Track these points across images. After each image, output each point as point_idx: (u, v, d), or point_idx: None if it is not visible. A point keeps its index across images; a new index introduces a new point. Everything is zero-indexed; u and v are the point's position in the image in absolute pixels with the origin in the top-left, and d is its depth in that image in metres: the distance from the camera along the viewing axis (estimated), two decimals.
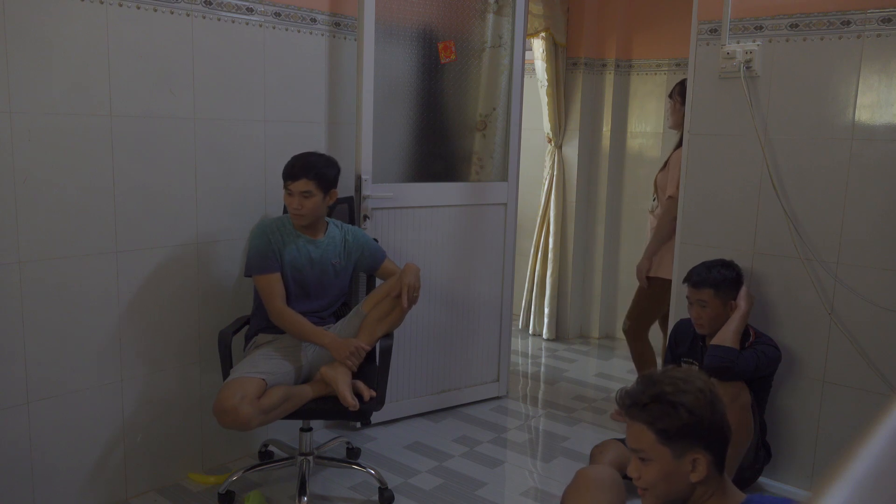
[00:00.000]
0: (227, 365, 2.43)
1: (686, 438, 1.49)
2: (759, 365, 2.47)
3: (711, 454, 1.50)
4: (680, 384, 1.52)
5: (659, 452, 1.51)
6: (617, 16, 4.40)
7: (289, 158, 2.54)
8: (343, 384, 2.38)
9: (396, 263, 2.76)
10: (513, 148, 3.49)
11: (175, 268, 2.59)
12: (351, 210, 3.00)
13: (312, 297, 2.58)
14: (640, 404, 1.54)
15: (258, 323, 2.58)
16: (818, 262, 2.60)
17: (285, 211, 2.76)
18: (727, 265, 2.66)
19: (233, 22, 2.64)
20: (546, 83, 4.36)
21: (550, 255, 4.57)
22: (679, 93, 3.22)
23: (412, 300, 2.56)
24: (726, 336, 2.50)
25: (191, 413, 2.71)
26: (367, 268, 2.73)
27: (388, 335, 2.56)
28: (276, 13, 2.76)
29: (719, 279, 2.61)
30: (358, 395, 2.41)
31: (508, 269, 3.57)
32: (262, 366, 2.37)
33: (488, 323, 3.55)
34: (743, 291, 2.61)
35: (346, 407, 2.36)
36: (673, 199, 3.08)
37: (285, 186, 2.50)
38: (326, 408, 2.44)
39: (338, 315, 2.72)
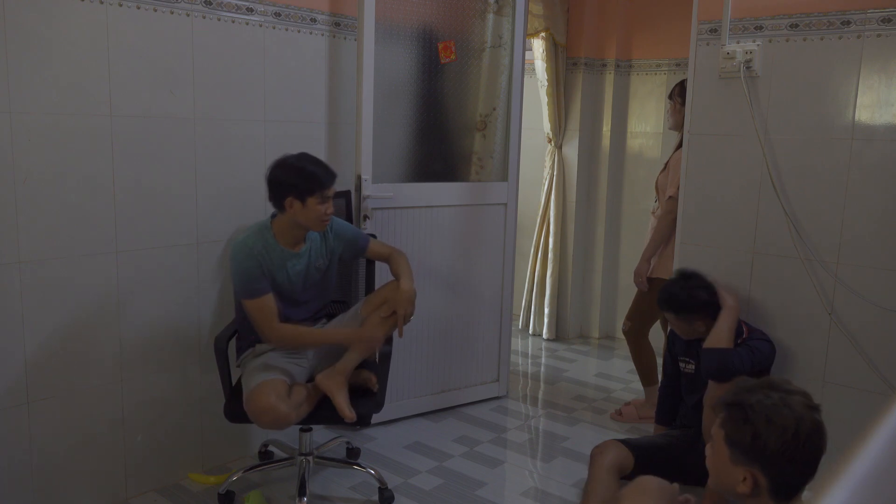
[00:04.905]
0: (224, 370, 2.41)
1: (745, 453, 1.51)
2: (754, 362, 2.47)
3: (768, 480, 1.50)
4: (768, 409, 1.49)
5: (721, 449, 1.56)
6: (617, 16, 4.40)
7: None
8: (340, 395, 2.36)
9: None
10: (513, 148, 3.49)
11: (175, 268, 2.59)
12: (348, 205, 2.99)
13: (301, 305, 2.54)
14: (730, 400, 1.57)
15: (254, 332, 2.47)
16: (818, 262, 2.60)
17: (273, 216, 2.56)
18: (697, 288, 2.59)
19: (233, 22, 2.64)
20: (546, 83, 4.36)
21: (550, 255, 4.57)
22: (679, 94, 3.22)
23: (406, 321, 2.51)
24: (719, 337, 2.50)
25: (190, 413, 2.71)
26: (352, 256, 2.65)
27: (388, 341, 2.55)
28: (276, 13, 2.76)
29: (682, 305, 2.59)
30: (361, 388, 2.42)
31: (508, 269, 3.57)
32: (277, 368, 2.38)
33: (488, 323, 3.55)
34: (724, 290, 2.60)
35: (363, 409, 2.38)
36: (673, 200, 3.08)
37: (321, 193, 2.34)
38: (325, 414, 2.41)
39: (329, 315, 2.71)
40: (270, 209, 2.81)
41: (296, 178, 2.34)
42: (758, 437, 1.49)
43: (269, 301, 2.36)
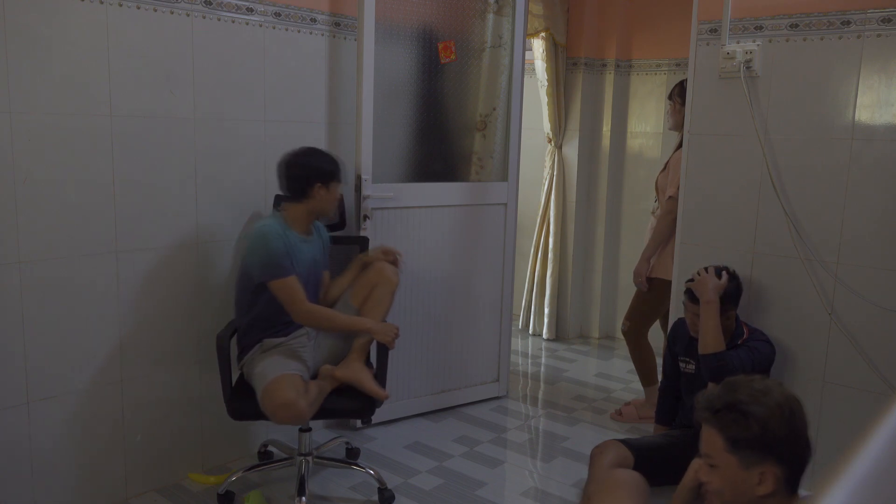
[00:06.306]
0: (226, 368, 2.41)
1: (756, 450, 1.46)
2: (754, 363, 2.47)
3: (783, 470, 1.46)
4: (758, 395, 1.48)
5: (726, 460, 1.49)
6: (617, 16, 4.40)
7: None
8: (368, 380, 2.43)
9: (378, 246, 2.82)
10: (513, 148, 3.49)
11: (175, 268, 2.59)
12: (341, 208, 2.99)
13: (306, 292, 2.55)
14: (712, 409, 1.51)
15: (259, 330, 2.50)
16: (818, 262, 2.60)
17: (276, 207, 2.67)
18: (729, 277, 2.59)
19: (233, 22, 2.64)
20: (546, 83, 4.36)
21: (550, 255, 4.57)
22: (679, 94, 3.22)
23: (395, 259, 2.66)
24: (706, 335, 2.49)
25: (191, 413, 2.71)
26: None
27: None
28: (276, 13, 2.76)
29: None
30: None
31: (508, 269, 3.57)
32: (292, 363, 2.39)
33: (488, 323, 3.55)
34: (700, 280, 2.56)
35: (374, 399, 2.43)
36: (673, 200, 3.08)
37: (335, 183, 2.49)
38: (332, 407, 2.44)
39: None
40: (268, 210, 2.83)
41: (327, 164, 2.49)
42: (766, 426, 1.45)
43: (297, 281, 2.41)
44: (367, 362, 2.59)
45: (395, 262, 2.67)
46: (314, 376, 2.50)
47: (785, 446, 1.46)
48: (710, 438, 1.52)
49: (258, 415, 2.37)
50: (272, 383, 2.29)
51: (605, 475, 2.07)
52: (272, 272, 2.38)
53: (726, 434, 1.48)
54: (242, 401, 2.41)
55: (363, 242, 2.93)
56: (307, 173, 2.45)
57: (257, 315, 2.48)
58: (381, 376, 2.50)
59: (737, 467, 1.48)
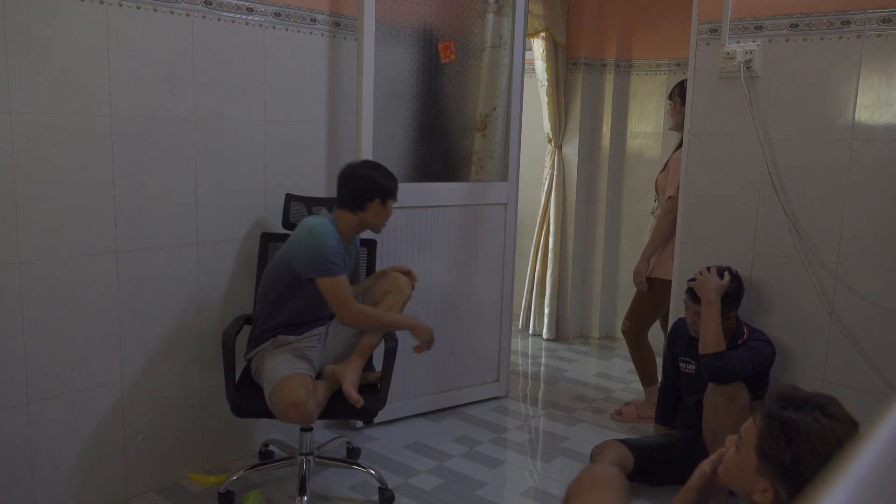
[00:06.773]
0: (230, 366, 2.41)
1: (776, 470, 1.43)
2: (754, 363, 2.47)
3: (790, 496, 1.42)
4: (816, 436, 1.40)
5: (749, 455, 1.48)
6: (617, 16, 4.40)
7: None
8: (348, 381, 2.41)
9: (396, 265, 2.80)
10: (513, 148, 3.49)
11: (175, 268, 2.59)
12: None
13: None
14: (768, 413, 1.47)
15: (276, 326, 2.50)
16: (818, 262, 2.61)
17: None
18: (731, 277, 2.59)
19: (233, 22, 2.64)
20: (546, 83, 4.36)
21: (550, 255, 4.57)
22: (679, 94, 3.22)
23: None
24: (707, 336, 2.49)
25: (191, 413, 2.71)
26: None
27: (393, 337, 2.56)
28: (276, 13, 2.76)
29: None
30: (365, 387, 2.48)
31: (508, 269, 3.57)
32: (301, 363, 2.39)
33: (488, 323, 3.55)
34: (703, 280, 2.56)
35: (352, 403, 2.39)
36: (673, 200, 3.08)
37: (391, 201, 2.53)
38: (334, 407, 2.44)
39: (331, 316, 2.71)
40: (268, 210, 2.83)
41: (388, 182, 2.53)
42: (798, 462, 1.40)
43: (346, 281, 2.44)
44: (370, 367, 2.60)
45: (408, 276, 2.68)
46: (317, 377, 2.51)
47: (803, 485, 1.41)
48: (750, 428, 1.50)
49: (262, 412, 2.37)
50: (282, 381, 2.29)
51: (584, 472, 2.02)
52: (325, 269, 2.39)
53: (762, 441, 1.46)
54: (246, 398, 2.41)
55: (371, 245, 2.93)
56: (369, 186, 2.48)
57: (281, 310, 2.48)
58: (385, 383, 2.49)
59: (752, 466, 1.47)
